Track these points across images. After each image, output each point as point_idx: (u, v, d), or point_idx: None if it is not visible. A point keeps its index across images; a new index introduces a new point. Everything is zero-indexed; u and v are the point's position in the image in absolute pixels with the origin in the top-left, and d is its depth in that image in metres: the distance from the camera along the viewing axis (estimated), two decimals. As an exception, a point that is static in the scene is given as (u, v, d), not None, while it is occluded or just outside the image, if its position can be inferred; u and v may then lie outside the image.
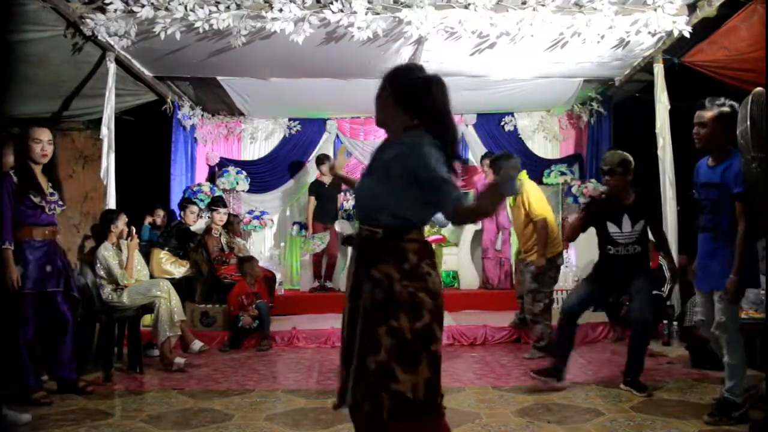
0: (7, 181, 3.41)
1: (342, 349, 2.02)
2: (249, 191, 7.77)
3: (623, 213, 3.73)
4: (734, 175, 2.88)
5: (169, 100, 6.76)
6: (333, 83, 6.34)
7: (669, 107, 5.41)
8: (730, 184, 2.89)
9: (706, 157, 3.11)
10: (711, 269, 3.01)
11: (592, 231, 7.22)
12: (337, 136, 8.12)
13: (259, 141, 8.01)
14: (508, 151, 5.73)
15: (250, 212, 7.48)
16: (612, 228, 3.78)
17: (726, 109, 2.94)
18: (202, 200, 6.88)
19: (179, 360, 4.42)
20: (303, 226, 7.49)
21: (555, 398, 3.48)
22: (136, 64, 5.69)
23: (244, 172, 7.66)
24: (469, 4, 4.66)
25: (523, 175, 4.70)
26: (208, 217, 6.25)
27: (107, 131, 5.26)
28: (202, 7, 4.61)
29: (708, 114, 2.96)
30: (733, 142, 2.92)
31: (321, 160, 7.24)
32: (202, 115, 7.67)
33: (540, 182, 7.65)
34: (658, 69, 5.44)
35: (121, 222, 4.60)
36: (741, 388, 2.95)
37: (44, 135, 3.53)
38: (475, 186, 7.28)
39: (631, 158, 3.77)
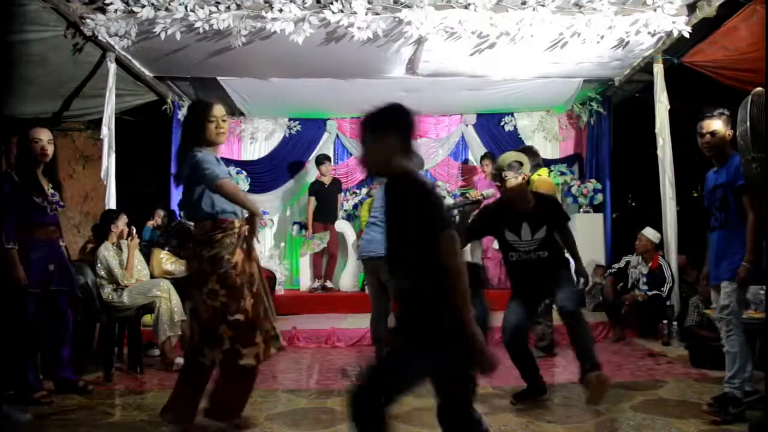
0: (8, 181, 3.42)
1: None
2: (249, 191, 7.74)
3: (522, 220, 3.36)
4: (736, 169, 2.96)
5: (169, 100, 6.76)
6: (333, 83, 6.34)
7: (669, 107, 5.42)
8: (734, 178, 2.96)
9: (711, 168, 3.20)
10: (722, 262, 3.05)
11: (592, 231, 7.20)
12: (337, 136, 8.13)
13: (259, 141, 8.02)
14: (529, 148, 5.12)
15: (251, 212, 7.49)
16: (510, 236, 3.39)
17: (725, 116, 3.05)
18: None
19: (180, 360, 4.42)
20: (303, 226, 7.49)
21: (555, 398, 3.48)
22: (136, 64, 5.69)
23: (245, 172, 7.66)
24: (469, 4, 4.66)
25: (543, 171, 4.67)
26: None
27: (107, 131, 5.27)
28: (203, 8, 4.62)
29: (719, 123, 3.06)
30: (734, 145, 2.97)
31: (321, 160, 7.25)
32: (203, 115, 7.66)
33: (540, 182, 7.67)
34: (658, 69, 5.45)
35: (122, 222, 4.60)
36: (741, 381, 2.95)
37: (44, 135, 3.54)
38: (475, 185, 7.29)
39: (526, 159, 3.41)
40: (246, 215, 2.87)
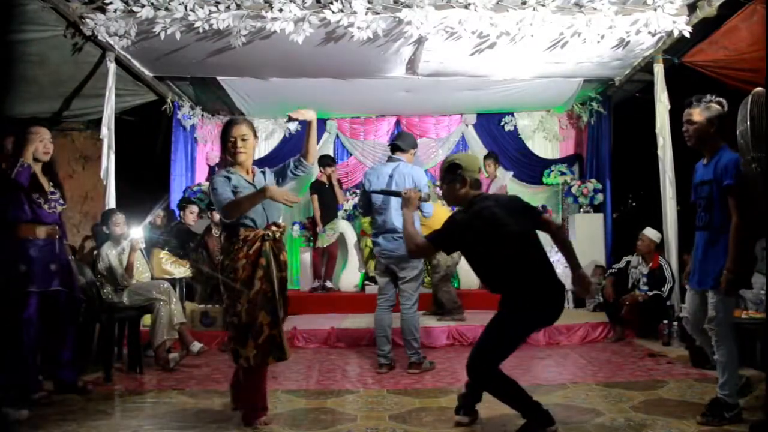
0: (26, 169, 3.42)
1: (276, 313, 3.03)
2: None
3: None
4: (723, 167, 2.88)
5: (169, 100, 6.76)
6: (333, 83, 6.34)
7: (669, 107, 5.42)
8: (720, 177, 2.88)
9: (702, 159, 3.11)
10: (705, 267, 2.99)
11: (592, 231, 7.17)
12: (337, 136, 8.13)
13: (259, 141, 8.00)
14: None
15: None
16: None
17: (713, 105, 2.97)
18: (201, 200, 6.88)
19: (173, 355, 4.43)
20: (303, 226, 7.49)
21: (555, 398, 3.48)
22: (136, 64, 5.69)
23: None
24: (469, 4, 4.66)
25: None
26: (208, 217, 6.25)
27: (107, 131, 5.26)
28: (202, 7, 4.62)
29: (695, 111, 2.99)
30: (723, 138, 2.94)
31: (327, 162, 7.26)
32: (202, 115, 7.67)
33: (540, 182, 7.68)
34: (658, 69, 5.45)
35: (121, 221, 4.59)
36: (733, 387, 2.94)
37: (45, 133, 3.56)
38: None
39: (466, 163, 2.97)
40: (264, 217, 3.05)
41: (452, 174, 2.95)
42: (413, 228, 3.01)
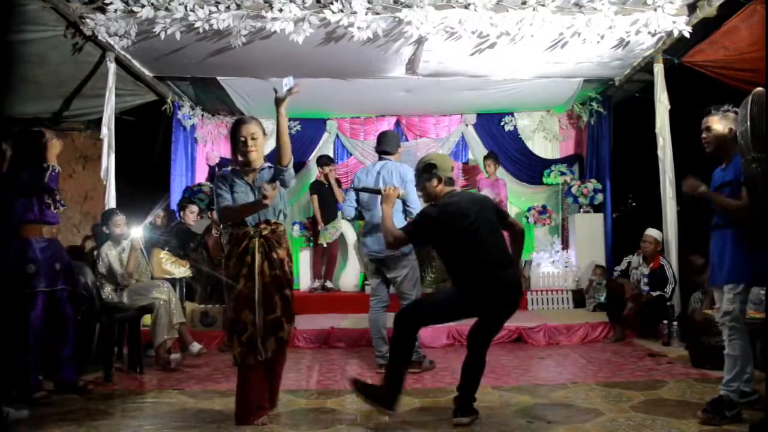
0: (53, 171, 3.49)
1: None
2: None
3: None
4: (740, 167, 2.93)
5: (169, 100, 6.76)
6: (333, 83, 6.34)
7: (669, 107, 5.42)
8: (739, 175, 2.95)
9: (719, 166, 3.19)
10: (725, 264, 3.04)
11: (592, 231, 7.18)
12: (337, 135, 8.13)
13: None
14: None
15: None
16: None
17: (730, 114, 3.06)
18: (202, 200, 6.87)
19: (175, 356, 4.43)
20: (303, 226, 7.49)
21: (555, 398, 3.48)
22: (136, 64, 5.69)
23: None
24: (469, 4, 4.66)
25: None
26: (209, 217, 6.25)
27: (107, 131, 5.27)
28: (202, 7, 4.62)
29: (714, 120, 3.09)
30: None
31: (326, 162, 7.25)
32: (202, 115, 7.67)
33: (540, 182, 7.68)
34: (658, 69, 5.45)
35: (122, 222, 4.59)
36: (738, 385, 2.95)
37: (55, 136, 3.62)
38: (477, 184, 7.30)
39: (440, 163, 3.16)
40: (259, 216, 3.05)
41: (428, 173, 3.15)
42: (391, 222, 3.19)
